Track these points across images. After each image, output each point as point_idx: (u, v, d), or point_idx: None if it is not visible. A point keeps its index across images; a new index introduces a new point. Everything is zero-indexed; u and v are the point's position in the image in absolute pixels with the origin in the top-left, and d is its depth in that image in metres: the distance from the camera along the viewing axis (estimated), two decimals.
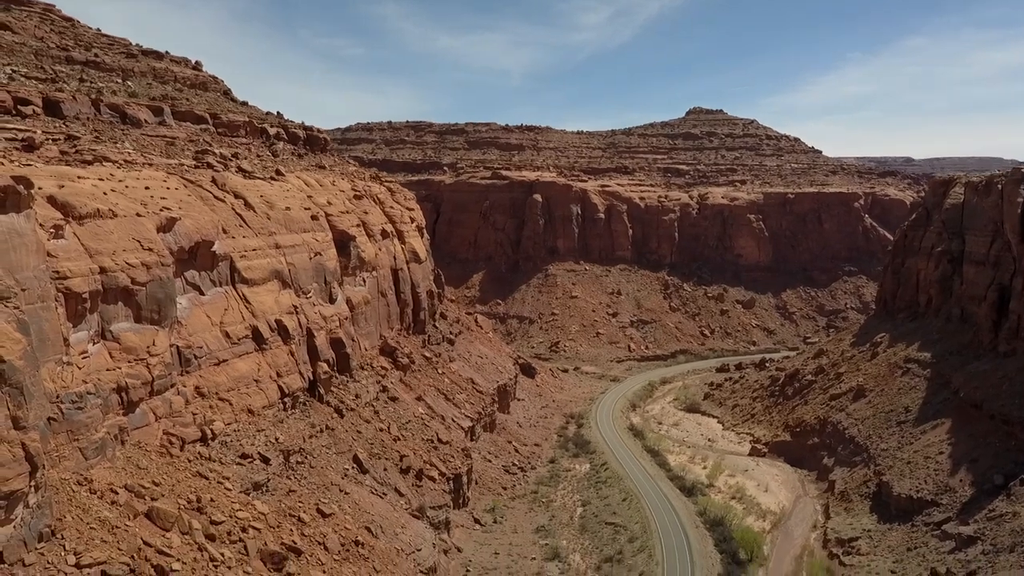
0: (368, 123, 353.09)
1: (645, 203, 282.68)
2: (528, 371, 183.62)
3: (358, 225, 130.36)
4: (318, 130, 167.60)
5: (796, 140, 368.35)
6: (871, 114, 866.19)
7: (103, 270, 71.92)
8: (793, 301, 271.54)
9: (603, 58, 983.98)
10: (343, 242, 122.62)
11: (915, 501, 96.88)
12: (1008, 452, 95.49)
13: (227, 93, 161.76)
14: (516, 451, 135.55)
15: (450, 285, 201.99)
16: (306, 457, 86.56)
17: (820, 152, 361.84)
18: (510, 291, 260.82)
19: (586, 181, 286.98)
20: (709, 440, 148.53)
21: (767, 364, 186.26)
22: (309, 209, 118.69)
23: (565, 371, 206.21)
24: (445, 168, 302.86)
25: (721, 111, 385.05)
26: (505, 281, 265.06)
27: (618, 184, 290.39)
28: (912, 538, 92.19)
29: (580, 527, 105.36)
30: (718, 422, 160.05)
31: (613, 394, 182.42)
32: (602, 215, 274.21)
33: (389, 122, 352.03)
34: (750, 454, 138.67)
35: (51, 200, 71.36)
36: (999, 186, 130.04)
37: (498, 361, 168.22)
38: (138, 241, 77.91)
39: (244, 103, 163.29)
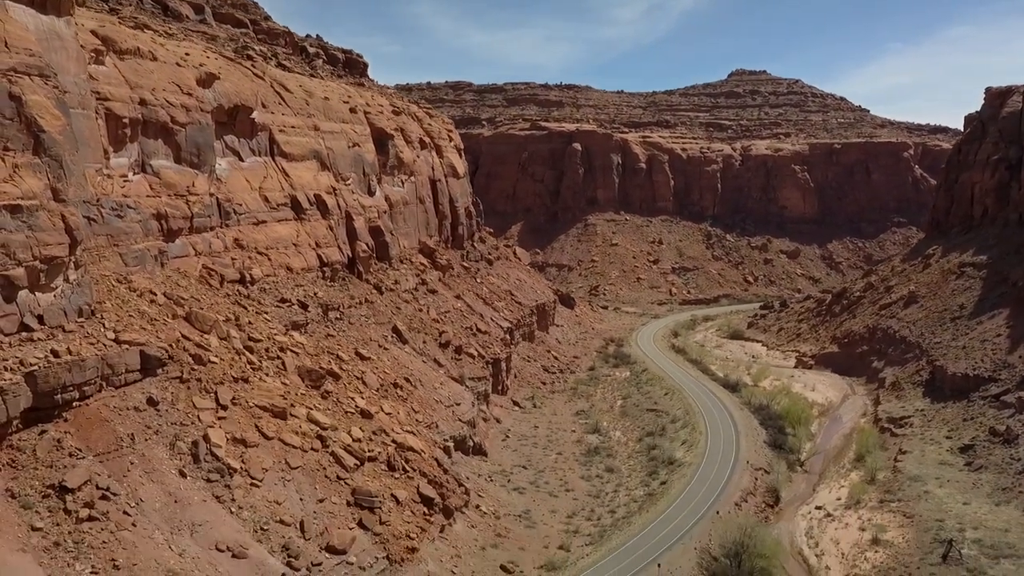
0: (407, 83, 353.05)
1: (687, 154, 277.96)
2: (567, 302, 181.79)
3: (396, 129, 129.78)
4: (358, 55, 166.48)
5: (842, 99, 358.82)
6: (913, 104, 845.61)
7: (143, 102, 72.15)
8: (840, 251, 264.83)
9: (639, 52, 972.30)
10: (381, 140, 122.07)
11: (971, 379, 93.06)
12: None
13: (267, 18, 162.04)
14: (555, 359, 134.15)
15: None
16: (344, 316, 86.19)
17: (867, 111, 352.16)
18: (548, 241, 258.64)
19: (627, 133, 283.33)
20: (753, 357, 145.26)
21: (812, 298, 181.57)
22: (348, 103, 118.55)
23: (604, 308, 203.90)
24: (484, 123, 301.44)
25: (764, 72, 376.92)
26: (543, 232, 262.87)
27: (659, 136, 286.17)
28: (968, 411, 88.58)
29: (621, 413, 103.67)
30: (762, 345, 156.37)
31: (654, 325, 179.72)
32: (643, 165, 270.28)
33: (428, 82, 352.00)
34: (795, 366, 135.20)
35: (93, 32, 71.71)
36: None
37: (537, 288, 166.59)
38: (177, 85, 78.15)
39: (285, 28, 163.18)
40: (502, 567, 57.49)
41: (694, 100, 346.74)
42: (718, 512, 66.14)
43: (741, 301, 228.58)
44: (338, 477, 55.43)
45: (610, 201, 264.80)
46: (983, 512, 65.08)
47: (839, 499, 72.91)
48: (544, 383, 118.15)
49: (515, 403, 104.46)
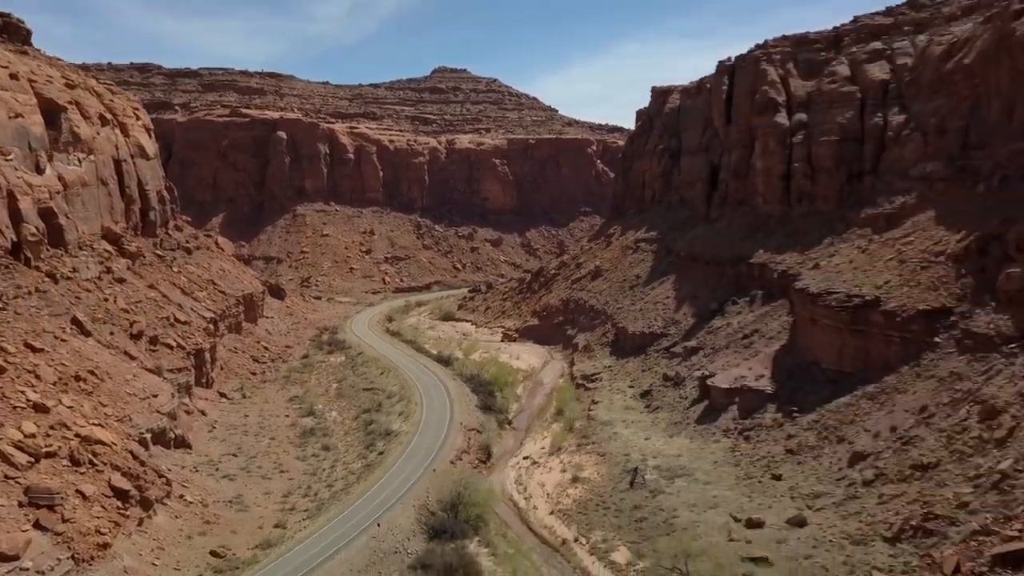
0: (85, 63, 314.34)
1: (395, 146, 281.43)
2: (277, 293, 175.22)
3: (71, 102, 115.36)
4: (19, 20, 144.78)
5: (535, 99, 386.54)
6: (597, 111, 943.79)
7: None
8: (536, 239, 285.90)
9: (343, 49, 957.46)
10: (52, 112, 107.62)
11: (647, 336, 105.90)
12: (721, 287, 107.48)
13: None
14: (266, 349, 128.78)
15: None
16: (9, 306, 74.99)
17: (556, 111, 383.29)
18: (255, 233, 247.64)
19: (334, 123, 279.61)
20: (464, 335, 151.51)
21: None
22: (7, 68, 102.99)
23: (318, 298, 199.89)
24: (177, 108, 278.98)
25: (465, 70, 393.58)
26: (249, 223, 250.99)
27: (367, 127, 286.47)
28: (645, 363, 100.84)
29: (337, 394, 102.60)
30: (472, 324, 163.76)
31: (369, 312, 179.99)
32: (351, 156, 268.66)
33: (109, 63, 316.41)
34: (502, 340, 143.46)
35: None
36: (707, 86, 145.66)
37: (243, 278, 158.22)
38: None
39: None
40: (212, 552, 54.07)
41: (400, 94, 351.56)
42: (435, 470, 68.23)
43: (451, 287, 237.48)
44: (6, 476, 48.25)
45: (319, 191, 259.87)
46: (660, 444, 74.48)
47: (543, 448, 79.00)
48: (254, 373, 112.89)
49: (222, 395, 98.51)
